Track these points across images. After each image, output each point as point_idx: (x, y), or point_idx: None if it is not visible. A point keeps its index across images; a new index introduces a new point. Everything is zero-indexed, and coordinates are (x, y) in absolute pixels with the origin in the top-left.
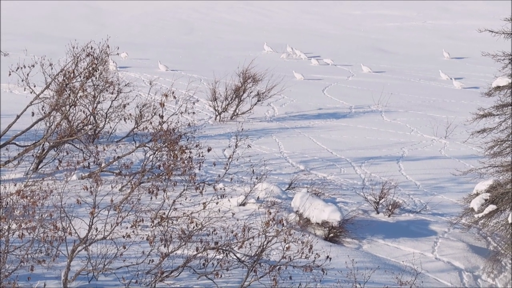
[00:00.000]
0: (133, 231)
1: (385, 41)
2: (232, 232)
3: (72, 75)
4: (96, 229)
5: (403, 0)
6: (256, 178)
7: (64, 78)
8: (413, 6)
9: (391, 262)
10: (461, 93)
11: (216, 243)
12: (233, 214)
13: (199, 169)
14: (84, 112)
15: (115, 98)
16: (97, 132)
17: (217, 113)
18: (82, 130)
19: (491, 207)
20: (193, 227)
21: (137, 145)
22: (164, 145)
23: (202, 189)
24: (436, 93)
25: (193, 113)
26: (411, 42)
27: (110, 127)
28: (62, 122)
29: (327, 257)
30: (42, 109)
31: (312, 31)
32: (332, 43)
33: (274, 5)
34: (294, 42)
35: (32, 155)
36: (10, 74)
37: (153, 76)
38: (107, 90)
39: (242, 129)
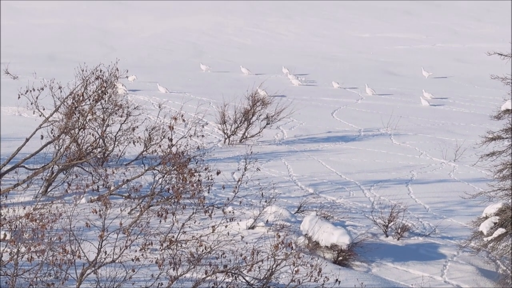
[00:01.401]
0: (142, 254)
1: (394, 63)
2: (241, 256)
3: (81, 98)
4: (105, 252)
5: (412, 23)
6: (265, 201)
7: (73, 101)
8: (422, 29)
9: (400, 286)
10: (470, 116)
11: (225, 266)
12: (242, 237)
13: (208, 192)
14: (93, 135)
15: (124, 121)
16: (106, 155)
17: (226, 136)
18: (91, 153)
19: (500, 230)
20: (202, 251)
21: (146, 168)
22: (173, 168)
23: (211, 212)
24: (445, 116)
25: (202, 136)
26: (420, 65)
27: (119, 150)
28: (71, 145)
29: (336, 280)
30: (51, 132)
31: (321, 53)
32: (340, 66)
33: (283, 27)
34: (301, 65)
35: (41, 178)
36: (19, 97)
37: (162, 99)
38: (116, 113)
39: (251, 152)
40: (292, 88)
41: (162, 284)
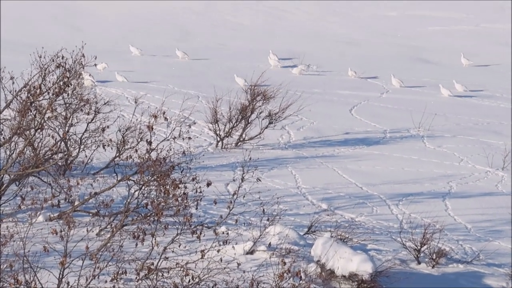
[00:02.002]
0: (114, 286)
1: (428, 49)
2: None
3: (38, 91)
4: (68, 283)
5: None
6: (267, 220)
7: (29, 95)
8: (462, 6)
9: None
10: None
11: None
12: (239, 264)
13: (196, 209)
14: (53, 137)
15: (92, 119)
16: (69, 162)
17: (218, 139)
18: (51, 160)
19: None
20: (189, 281)
21: (119, 179)
22: (152, 179)
23: (200, 233)
24: (492, 113)
25: (189, 138)
26: (460, 51)
27: (86, 156)
28: (25, 149)
29: None
30: (1, 134)
31: (336, 36)
32: (361, 52)
33: (289, 4)
34: (312, 50)
35: None
36: None
37: (139, 92)
38: (81, 110)
39: (250, 159)
40: (300, 79)
41: None
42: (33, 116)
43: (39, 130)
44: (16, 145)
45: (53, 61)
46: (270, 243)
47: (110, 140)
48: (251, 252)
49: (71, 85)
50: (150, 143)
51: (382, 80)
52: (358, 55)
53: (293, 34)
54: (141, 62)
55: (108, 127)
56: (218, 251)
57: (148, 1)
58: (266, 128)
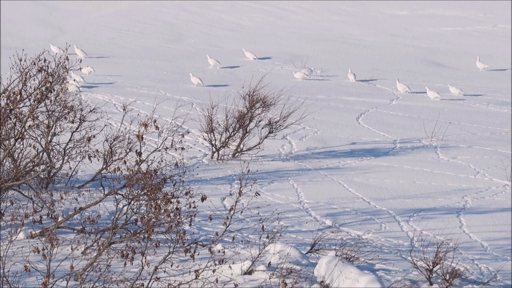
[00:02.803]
0: None
1: (441, 51)
2: None
3: (18, 97)
4: None
5: None
6: (267, 237)
7: (8, 101)
8: (478, 5)
9: None
10: None
11: None
12: (236, 285)
13: (190, 225)
14: (34, 147)
15: (77, 128)
16: (52, 174)
17: (214, 149)
18: (32, 172)
19: None
20: None
21: (106, 193)
22: (142, 193)
23: (194, 251)
24: (508, 121)
25: (182, 148)
26: (476, 53)
27: (70, 168)
28: (5, 160)
29: None
30: None
31: (341, 38)
32: (368, 54)
33: (291, 3)
34: (316, 53)
35: None
36: None
37: (128, 99)
38: (65, 118)
39: (249, 171)
40: (303, 84)
41: None
42: (12, 124)
43: (19, 140)
44: None
45: (34, 64)
46: (270, 262)
47: (97, 150)
48: (249, 272)
49: (54, 90)
50: (140, 154)
51: (392, 86)
52: (365, 58)
53: (295, 35)
54: (130, 65)
55: (94, 136)
56: (214, 271)
57: (135, 1)
58: (265, 137)
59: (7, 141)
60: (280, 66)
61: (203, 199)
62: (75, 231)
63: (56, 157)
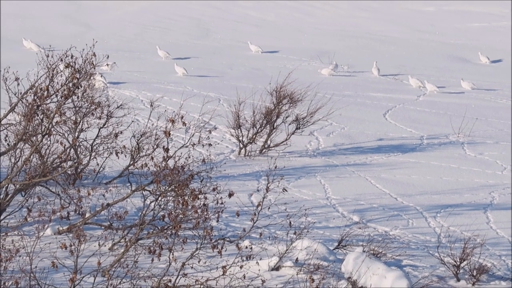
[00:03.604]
0: None
1: (467, 47)
2: None
3: (45, 93)
4: None
5: None
6: (294, 233)
7: (35, 97)
8: (504, 1)
9: None
10: None
11: None
12: (263, 281)
13: (217, 221)
14: (62, 143)
15: (104, 124)
16: (79, 170)
17: (241, 145)
18: (59, 168)
19: None
20: None
21: (133, 189)
22: (170, 189)
23: (221, 248)
24: None
25: (210, 145)
26: (503, 49)
27: (97, 164)
28: (32, 157)
29: None
30: (6, 140)
31: (368, 34)
32: (395, 50)
33: (317, 0)
34: (343, 49)
35: None
36: None
37: (155, 95)
38: (93, 114)
39: (276, 167)
40: (330, 81)
41: None
42: (40, 120)
43: (46, 136)
44: (22, 152)
45: (61, 60)
46: (297, 258)
47: (124, 146)
48: (276, 268)
49: (81, 87)
50: (167, 150)
51: (419, 82)
52: (391, 54)
53: (321, 32)
54: (156, 62)
55: (121, 132)
56: (241, 267)
57: None
58: (293, 134)
59: (35, 137)
60: (307, 62)
61: (230, 195)
62: (103, 227)
63: (83, 153)
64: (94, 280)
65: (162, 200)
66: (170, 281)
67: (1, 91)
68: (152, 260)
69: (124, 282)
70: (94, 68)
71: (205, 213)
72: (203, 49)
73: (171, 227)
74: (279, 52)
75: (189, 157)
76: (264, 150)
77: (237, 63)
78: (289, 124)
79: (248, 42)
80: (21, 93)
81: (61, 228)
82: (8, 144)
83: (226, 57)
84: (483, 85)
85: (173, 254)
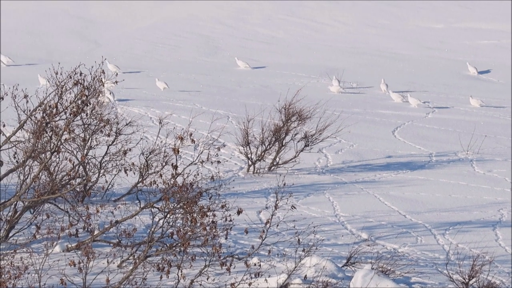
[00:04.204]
0: None
1: (477, 64)
2: None
3: (54, 110)
4: None
5: (502, 10)
6: (303, 251)
7: (44, 114)
8: None
9: None
10: None
11: None
12: None
13: (226, 238)
14: (70, 160)
15: (113, 142)
16: (88, 188)
17: (250, 163)
18: (68, 185)
19: None
20: None
21: (142, 206)
22: (178, 206)
23: (230, 265)
24: None
25: (218, 162)
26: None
27: (106, 181)
28: (41, 174)
29: None
30: (14, 157)
31: (377, 51)
32: (404, 67)
33: (326, 16)
34: (352, 66)
35: (0, 219)
36: None
37: (164, 112)
38: (101, 131)
39: (284, 184)
40: (339, 98)
41: None
42: (49, 138)
43: (55, 153)
44: (31, 169)
45: (70, 77)
46: (306, 275)
47: (133, 164)
48: (285, 285)
49: (90, 104)
50: (176, 167)
51: (428, 99)
52: (401, 71)
53: (330, 49)
54: (166, 78)
55: (130, 149)
56: (250, 284)
57: (171, 14)
58: (301, 151)
59: (43, 155)
60: (316, 79)
61: (239, 212)
62: (111, 245)
63: (92, 171)
64: None
65: (171, 217)
66: None
67: (11, 109)
68: (161, 277)
69: None
70: (104, 86)
71: (214, 230)
72: (212, 66)
73: (179, 244)
74: (290, 68)
75: (198, 174)
76: (272, 167)
77: (246, 80)
78: (298, 141)
79: (235, 58)
80: (30, 110)
81: (69, 245)
82: (17, 161)
83: (234, 75)
84: (492, 102)
85: (181, 271)
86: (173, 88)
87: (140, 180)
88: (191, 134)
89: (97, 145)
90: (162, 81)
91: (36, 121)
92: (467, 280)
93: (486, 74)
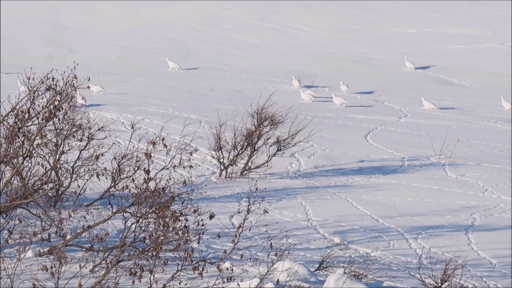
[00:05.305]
0: None
1: (450, 69)
2: None
3: (27, 115)
4: None
5: (474, 15)
6: (275, 255)
7: (16, 119)
8: (487, 23)
9: None
10: None
11: None
12: None
13: (198, 243)
14: (43, 165)
15: (85, 147)
16: (60, 193)
17: (222, 167)
18: (40, 190)
19: None
20: None
21: (114, 211)
22: (151, 211)
23: (202, 269)
24: None
25: (190, 166)
26: (485, 71)
27: (78, 186)
28: (13, 179)
29: None
30: None
31: (350, 56)
32: (377, 72)
33: (299, 22)
34: (325, 71)
35: None
36: None
37: (136, 117)
38: (73, 136)
39: (257, 189)
40: (311, 102)
41: None
42: (21, 142)
43: (27, 158)
44: (3, 174)
45: (42, 82)
46: (278, 280)
47: (105, 168)
48: None
49: (62, 109)
50: (148, 172)
51: (400, 104)
52: (373, 76)
53: (303, 53)
54: (138, 84)
55: (102, 154)
56: None
57: (144, 19)
58: (274, 155)
59: (16, 160)
60: (288, 84)
61: (211, 217)
62: (84, 249)
63: (64, 175)
64: None
65: (143, 222)
66: None
67: None
68: (133, 282)
69: None
70: (76, 91)
71: (186, 234)
72: (185, 71)
73: (152, 249)
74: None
75: (170, 179)
76: (245, 172)
77: (218, 85)
78: (270, 146)
79: (166, 58)
80: (2, 115)
81: (42, 250)
82: None
83: (207, 79)
84: (464, 107)
85: (154, 276)
86: (145, 93)
87: (112, 185)
88: (163, 139)
89: (69, 150)
90: (99, 85)
91: (8, 126)
92: (439, 284)
93: (459, 78)
